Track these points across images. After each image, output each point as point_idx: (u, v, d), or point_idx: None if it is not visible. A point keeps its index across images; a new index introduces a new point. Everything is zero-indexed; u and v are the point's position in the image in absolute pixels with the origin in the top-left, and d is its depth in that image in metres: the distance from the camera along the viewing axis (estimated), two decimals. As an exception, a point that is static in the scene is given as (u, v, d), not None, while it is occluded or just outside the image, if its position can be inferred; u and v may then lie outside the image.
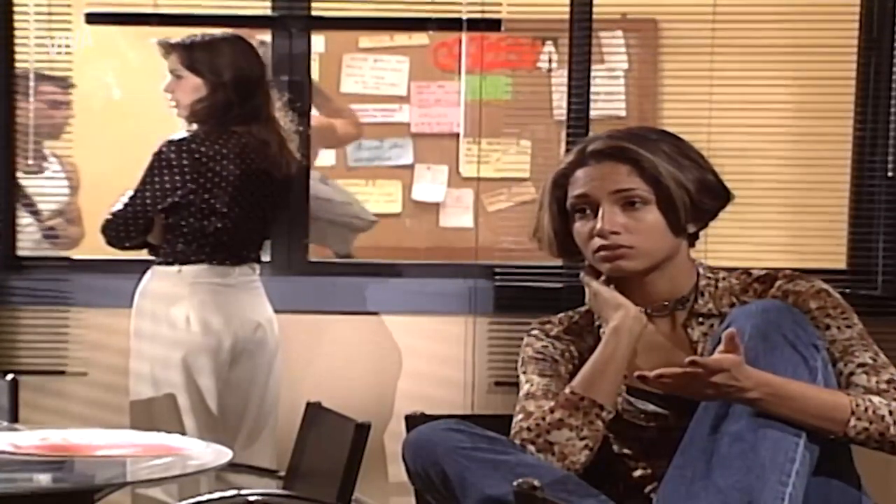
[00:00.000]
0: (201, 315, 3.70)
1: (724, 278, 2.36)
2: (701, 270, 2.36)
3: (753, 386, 2.09)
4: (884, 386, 2.17)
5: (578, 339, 2.42)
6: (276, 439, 3.85)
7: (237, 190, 3.72)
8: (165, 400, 3.69)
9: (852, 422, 2.12)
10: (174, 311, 3.70)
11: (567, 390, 2.29)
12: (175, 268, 3.73)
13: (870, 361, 2.20)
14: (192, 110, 3.74)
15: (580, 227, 2.34)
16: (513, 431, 2.30)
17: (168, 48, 3.76)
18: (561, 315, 2.48)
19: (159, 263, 3.76)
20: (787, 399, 2.10)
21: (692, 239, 2.39)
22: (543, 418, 2.27)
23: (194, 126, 3.75)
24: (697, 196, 2.31)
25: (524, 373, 2.42)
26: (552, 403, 2.29)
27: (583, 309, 2.46)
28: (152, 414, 3.69)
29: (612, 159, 2.33)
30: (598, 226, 2.30)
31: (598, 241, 2.31)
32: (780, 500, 2.01)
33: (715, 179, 2.35)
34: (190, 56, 3.73)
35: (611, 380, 2.28)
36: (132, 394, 3.77)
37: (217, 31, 3.88)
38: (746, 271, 2.37)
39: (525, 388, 2.40)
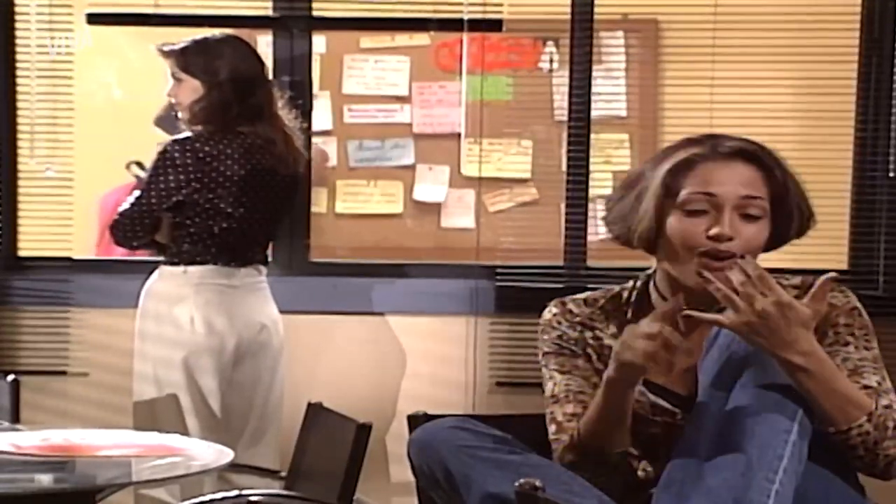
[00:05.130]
0: (205, 315, 3.70)
1: None
2: None
3: (808, 351, 2.07)
4: (881, 410, 2.15)
5: (601, 324, 2.38)
6: (281, 440, 3.85)
7: (242, 190, 3.72)
8: (168, 400, 3.68)
9: (861, 420, 2.12)
10: (178, 312, 3.70)
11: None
12: (181, 268, 3.72)
13: (874, 385, 2.20)
14: (191, 112, 3.74)
15: (691, 224, 2.22)
16: (554, 455, 2.28)
17: (164, 54, 3.77)
18: (587, 294, 2.41)
19: (165, 263, 3.76)
20: (822, 381, 2.08)
21: None
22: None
23: (198, 127, 3.75)
24: (804, 226, 2.29)
25: (545, 366, 2.39)
26: (578, 411, 2.28)
27: (611, 292, 2.41)
28: (155, 414, 3.68)
29: (746, 160, 2.24)
30: (719, 230, 2.19)
31: (710, 245, 2.20)
32: (767, 497, 2.01)
33: (810, 214, 2.32)
34: (185, 59, 3.74)
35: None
36: (135, 394, 3.77)
37: (214, 32, 3.87)
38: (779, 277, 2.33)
39: (549, 386, 2.37)
